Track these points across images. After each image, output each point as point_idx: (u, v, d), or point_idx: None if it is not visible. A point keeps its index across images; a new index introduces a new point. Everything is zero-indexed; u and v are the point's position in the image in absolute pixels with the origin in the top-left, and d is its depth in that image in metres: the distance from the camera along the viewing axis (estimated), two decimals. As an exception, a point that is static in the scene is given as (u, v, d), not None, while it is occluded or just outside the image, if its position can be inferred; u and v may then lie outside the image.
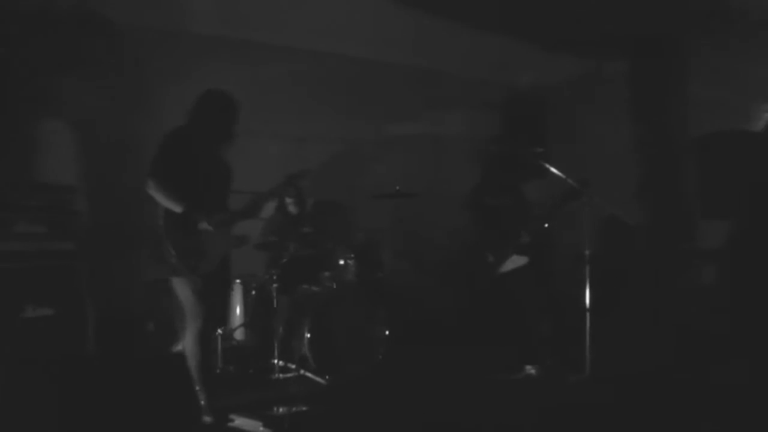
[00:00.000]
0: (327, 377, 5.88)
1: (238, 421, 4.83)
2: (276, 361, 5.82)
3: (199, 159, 4.74)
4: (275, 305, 5.90)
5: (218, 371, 6.07)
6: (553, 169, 5.78)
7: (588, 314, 5.63)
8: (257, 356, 6.20)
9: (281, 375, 5.86)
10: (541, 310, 6.22)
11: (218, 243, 4.76)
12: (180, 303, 4.76)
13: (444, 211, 7.49)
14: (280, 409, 5.08)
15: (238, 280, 6.52)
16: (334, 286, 6.48)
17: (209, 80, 4.92)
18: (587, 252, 5.75)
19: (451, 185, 7.21)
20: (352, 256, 6.62)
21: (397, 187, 6.86)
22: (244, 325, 6.58)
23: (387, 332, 6.33)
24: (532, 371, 6.01)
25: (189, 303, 4.73)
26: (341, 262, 6.63)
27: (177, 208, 4.59)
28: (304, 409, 5.12)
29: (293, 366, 6.02)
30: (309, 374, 5.95)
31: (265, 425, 4.79)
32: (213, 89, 4.86)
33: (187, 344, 4.79)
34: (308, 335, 5.95)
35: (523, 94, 8.41)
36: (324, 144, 7.90)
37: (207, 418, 4.79)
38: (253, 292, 6.52)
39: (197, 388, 4.78)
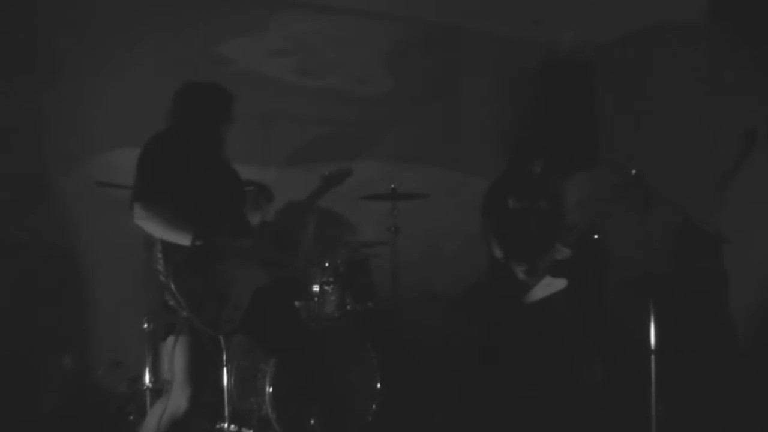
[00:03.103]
0: (296, 448, 5.82)
1: None
2: (227, 426, 5.52)
3: (201, 168, 4.72)
4: (223, 348, 5.38)
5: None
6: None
7: (653, 357, 5.51)
8: (201, 419, 5.95)
9: (234, 445, 5.82)
10: (586, 351, 6.29)
11: (243, 280, 4.68)
12: (172, 368, 4.67)
13: (457, 218, 7.56)
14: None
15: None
16: (307, 321, 6.39)
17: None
18: (651, 271, 5.68)
19: (466, 183, 7.42)
20: (332, 279, 6.57)
21: (393, 186, 6.83)
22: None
23: (379, 384, 6.26)
24: None
25: (184, 371, 4.62)
26: (316, 288, 6.57)
27: (184, 239, 4.47)
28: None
29: (250, 432, 5.96)
30: (272, 444, 5.88)
31: None
32: (194, 82, 4.89)
33: (151, 421, 4.70)
34: (270, 389, 5.87)
35: (565, 57, 8.48)
36: (296, 124, 7.85)
37: None
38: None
39: None
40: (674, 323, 5.98)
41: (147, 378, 6.15)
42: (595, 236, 6.04)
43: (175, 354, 4.61)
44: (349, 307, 6.59)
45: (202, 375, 4.69)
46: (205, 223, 4.53)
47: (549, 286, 6.26)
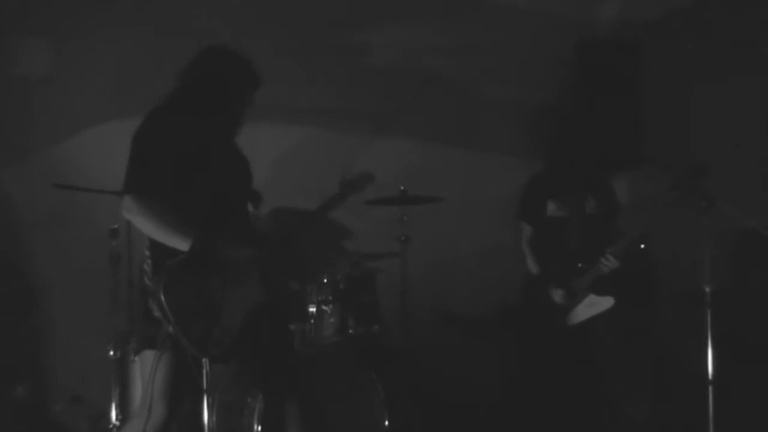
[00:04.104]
0: (289, 496, 5.80)
1: None
2: (207, 470, 5.78)
3: (207, 157, 4.63)
4: (205, 379, 5.18)
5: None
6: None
7: (711, 389, 5.48)
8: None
9: (216, 492, 5.68)
10: (635, 381, 6.40)
11: (238, 298, 4.58)
12: (146, 386, 4.60)
13: (479, 226, 7.55)
14: None
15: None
16: (302, 348, 6.29)
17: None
18: (708, 289, 5.58)
19: (489, 185, 7.39)
20: (331, 298, 6.46)
21: (402, 187, 6.73)
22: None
23: (387, 421, 6.10)
24: None
25: (160, 391, 4.54)
26: (313, 309, 6.44)
27: (182, 243, 4.37)
28: None
29: (235, 477, 5.89)
30: (260, 491, 5.77)
31: None
32: (216, 45, 4.79)
33: None
34: (258, 428, 5.71)
35: (605, 36, 8.35)
36: (291, 117, 7.72)
37: None
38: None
39: None
40: (734, 347, 5.85)
41: (113, 415, 6.07)
42: (642, 246, 5.87)
43: (153, 371, 4.53)
44: (351, 331, 6.48)
45: (178, 398, 4.62)
46: (206, 226, 4.45)
47: (594, 305, 6.13)
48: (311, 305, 6.41)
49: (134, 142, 4.48)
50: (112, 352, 5.96)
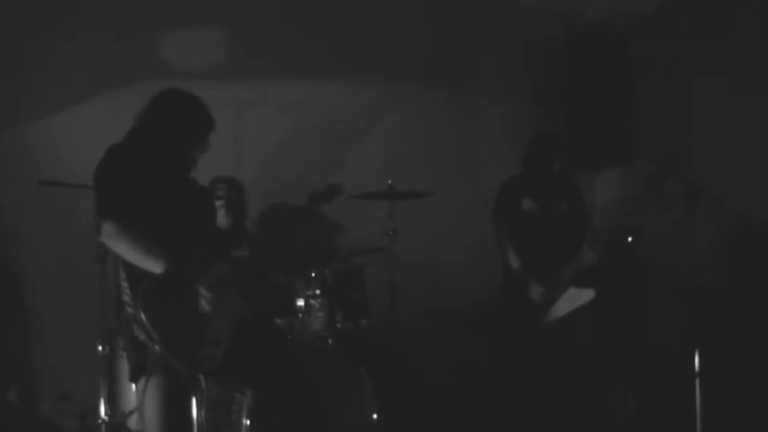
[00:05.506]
0: (278, 494, 5.83)
1: None
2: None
3: (171, 186, 4.75)
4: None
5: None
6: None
7: (698, 383, 5.52)
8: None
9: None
10: (618, 377, 6.30)
11: (223, 312, 4.66)
12: (142, 413, 4.66)
13: (466, 220, 7.56)
14: None
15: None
16: (290, 342, 6.21)
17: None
18: (697, 282, 5.67)
19: (478, 180, 7.39)
20: (319, 293, 6.50)
21: (390, 181, 6.76)
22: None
23: (375, 415, 6.15)
24: None
25: (157, 417, 4.62)
26: (301, 303, 6.48)
27: (156, 266, 4.44)
28: None
29: (224, 477, 5.79)
30: (249, 491, 5.74)
31: None
32: (176, 89, 4.87)
33: None
34: (247, 422, 5.78)
35: (591, 31, 8.32)
36: (275, 109, 7.74)
37: None
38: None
39: None
40: (724, 344, 5.93)
41: (102, 410, 6.04)
42: (629, 239, 5.91)
43: (146, 397, 4.59)
44: (339, 326, 6.51)
45: (178, 421, 4.65)
46: (178, 247, 4.51)
47: (575, 298, 6.18)
48: (299, 299, 6.44)
49: (98, 174, 4.59)
50: (100, 348, 5.91)
